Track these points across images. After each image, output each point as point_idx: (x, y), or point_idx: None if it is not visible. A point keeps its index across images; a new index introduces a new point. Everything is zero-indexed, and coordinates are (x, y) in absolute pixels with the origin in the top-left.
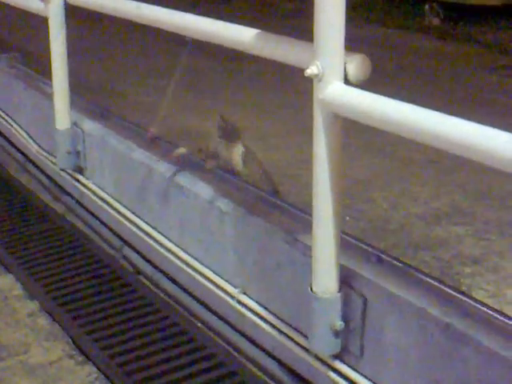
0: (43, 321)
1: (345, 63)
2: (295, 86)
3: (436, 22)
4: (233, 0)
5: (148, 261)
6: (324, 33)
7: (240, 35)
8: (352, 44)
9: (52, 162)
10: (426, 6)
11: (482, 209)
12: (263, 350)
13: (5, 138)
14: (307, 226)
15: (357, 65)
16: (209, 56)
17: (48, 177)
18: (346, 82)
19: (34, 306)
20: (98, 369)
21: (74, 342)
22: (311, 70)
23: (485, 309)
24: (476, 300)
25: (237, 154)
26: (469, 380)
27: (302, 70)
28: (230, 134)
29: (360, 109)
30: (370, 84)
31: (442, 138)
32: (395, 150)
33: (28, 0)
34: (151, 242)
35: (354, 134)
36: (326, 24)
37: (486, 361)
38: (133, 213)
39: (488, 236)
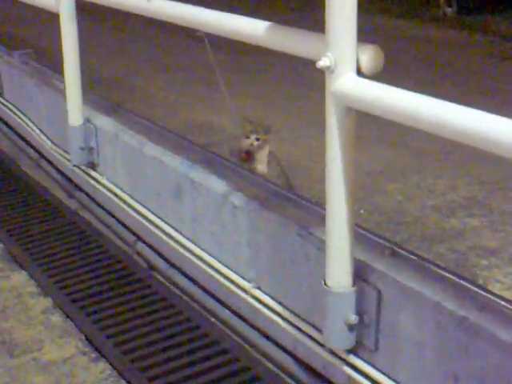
0: (57, 317)
1: (357, 54)
2: (307, 77)
3: (450, 12)
4: None
5: (161, 256)
6: (336, 24)
7: (250, 28)
8: (364, 35)
9: (65, 158)
10: None
11: (498, 200)
12: (277, 344)
13: (18, 134)
14: (321, 220)
15: (369, 56)
16: (219, 49)
17: (61, 173)
18: (359, 73)
19: (47, 302)
20: (112, 365)
21: (87, 339)
22: (323, 62)
23: (501, 301)
24: (492, 293)
25: (264, 153)
26: (485, 373)
27: (314, 62)
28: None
29: (373, 101)
30: (382, 75)
31: (459, 130)
32: (409, 141)
33: None
34: (164, 237)
35: (367, 125)
36: (338, 15)
37: (502, 354)
38: (146, 208)
39: (504, 227)
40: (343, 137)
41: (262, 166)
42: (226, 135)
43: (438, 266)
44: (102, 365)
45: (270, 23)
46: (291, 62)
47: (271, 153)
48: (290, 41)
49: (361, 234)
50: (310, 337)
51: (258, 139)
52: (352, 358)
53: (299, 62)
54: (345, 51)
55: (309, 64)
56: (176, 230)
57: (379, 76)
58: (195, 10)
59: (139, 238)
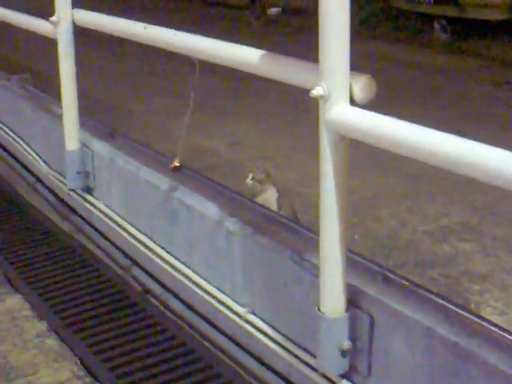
0: (52, 341)
1: (350, 84)
2: (303, 103)
3: (444, 37)
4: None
5: (156, 280)
6: (329, 54)
7: (245, 56)
8: (360, 60)
9: (61, 182)
10: (435, 23)
11: (490, 225)
12: (271, 369)
13: (15, 158)
14: (315, 245)
15: (362, 86)
16: (214, 74)
17: (57, 197)
18: (352, 102)
19: (42, 326)
20: None
21: (82, 363)
22: (317, 91)
23: (492, 327)
24: (483, 318)
25: (272, 197)
26: None
27: (308, 90)
28: (262, 180)
29: (366, 130)
30: (378, 100)
31: (451, 160)
32: (402, 166)
33: (37, 22)
34: (159, 261)
35: (360, 150)
36: (331, 45)
37: (492, 379)
38: (141, 232)
39: (496, 252)
40: (337, 164)
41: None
42: (219, 159)
43: (430, 292)
44: None
45: (265, 52)
46: (287, 87)
47: (283, 194)
48: (284, 70)
49: (354, 259)
50: (304, 362)
51: (252, 179)
52: (345, 383)
53: (295, 87)
54: (338, 81)
55: (305, 90)
56: (171, 254)
57: (374, 101)
58: (191, 37)
59: (134, 263)
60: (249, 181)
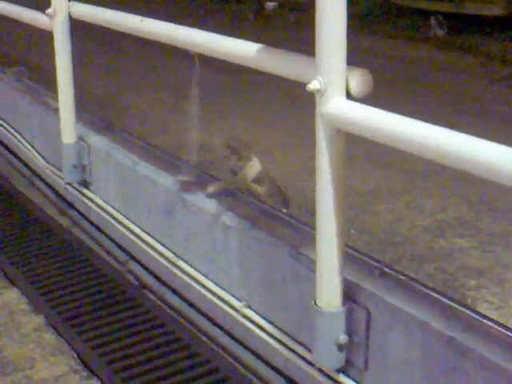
0: (49, 335)
1: (347, 78)
2: (298, 97)
3: (440, 33)
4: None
5: (153, 275)
6: (325, 48)
7: (242, 50)
8: (357, 55)
9: (58, 176)
10: (432, 19)
11: (487, 221)
12: (268, 363)
13: (11, 152)
14: (311, 239)
15: (358, 79)
16: (212, 69)
17: (54, 191)
18: (348, 96)
19: (39, 320)
20: None
21: (79, 357)
22: (313, 85)
23: (488, 322)
24: (479, 313)
25: (251, 172)
26: None
27: (305, 84)
28: (241, 152)
29: (362, 123)
30: (374, 95)
31: (444, 153)
32: (398, 160)
33: (33, 15)
34: (157, 255)
35: (357, 145)
36: (328, 39)
37: (489, 374)
38: (138, 227)
39: (493, 248)
40: (333, 158)
41: (254, 184)
42: (217, 154)
43: (427, 287)
44: (94, 383)
45: (261, 45)
46: (283, 81)
47: (263, 172)
48: (281, 64)
49: (350, 254)
50: (300, 356)
51: (239, 158)
52: (341, 378)
53: (291, 81)
54: (334, 75)
55: (301, 84)
56: (168, 248)
57: (371, 96)
58: (188, 31)
59: (131, 257)
60: (237, 162)
